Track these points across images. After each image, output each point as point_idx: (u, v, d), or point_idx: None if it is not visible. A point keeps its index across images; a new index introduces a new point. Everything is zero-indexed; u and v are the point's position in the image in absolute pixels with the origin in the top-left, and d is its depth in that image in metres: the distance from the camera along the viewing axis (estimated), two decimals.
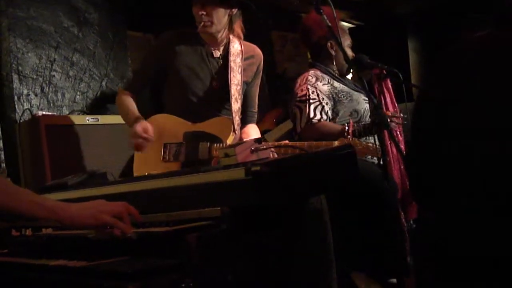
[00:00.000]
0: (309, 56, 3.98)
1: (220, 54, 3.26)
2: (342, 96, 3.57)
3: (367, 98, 3.64)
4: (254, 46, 3.40)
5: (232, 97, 3.19)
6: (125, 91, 3.32)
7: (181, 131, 3.11)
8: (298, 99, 3.59)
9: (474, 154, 1.73)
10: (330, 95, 3.56)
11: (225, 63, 3.24)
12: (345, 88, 3.63)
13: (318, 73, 3.66)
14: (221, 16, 3.14)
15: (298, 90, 3.62)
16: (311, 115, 3.49)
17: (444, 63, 1.88)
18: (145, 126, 2.98)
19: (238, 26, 3.29)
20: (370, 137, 3.46)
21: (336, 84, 3.63)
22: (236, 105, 3.21)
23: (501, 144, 1.68)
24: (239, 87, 3.23)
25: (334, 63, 3.73)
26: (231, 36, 3.27)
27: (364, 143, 3.17)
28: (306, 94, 3.55)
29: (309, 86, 3.58)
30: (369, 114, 3.60)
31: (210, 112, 3.19)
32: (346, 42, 3.73)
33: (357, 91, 3.68)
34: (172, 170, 2.87)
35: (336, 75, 3.71)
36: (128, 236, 1.79)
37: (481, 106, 1.74)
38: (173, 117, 3.19)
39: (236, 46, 3.28)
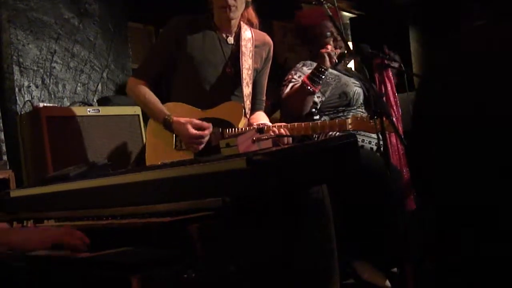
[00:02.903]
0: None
1: (232, 40, 3.26)
2: (330, 78, 3.57)
3: (357, 82, 3.66)
4: (264, 34, 3.40)
5: (244, 81, 3.18)
6: (139, 80, 3.25)
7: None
8: (283, 84, 3.66)
9: (476, 148, 1.73)
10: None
11: (237, 49, 3.23)
12: (334, 71, 3.63)
13: (308, 61, 3.72)
14: (243, 0, 3.17)
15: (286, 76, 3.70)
16: (286, 92, 3.58)
17: (443, 56, 1.88)
18: (197, 125, 3.03)
19: (250, 13, 3.29)
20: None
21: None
22: (247, 90, 3.21)
23: (503, 139, 1.68)
24: (250, 71, 3.23)
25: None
26: (241, 23, 3.27)
27: (364, 115, 3.16)
28: (288, 78, 3.64)
29: (293, 71, 3.67)
30: (360, 97, 3.61)
31: (221, 99, 3.18)
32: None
33: (347, 75, 3.70)
34: (184, 158, 2.88)
35: None
36: (83, 254, 1.77)
37: (481, 100, 1.73)
38: (184, 105, 3.18)
39: (247, 33, 3.28)
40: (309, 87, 3.36)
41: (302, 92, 3.40)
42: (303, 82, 3.40)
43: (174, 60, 3.21)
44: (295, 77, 3.60)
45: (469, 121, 1.74)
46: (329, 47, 3.39)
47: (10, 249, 1.78)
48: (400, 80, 3.86)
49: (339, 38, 3.69)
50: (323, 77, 3.39)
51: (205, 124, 3.03)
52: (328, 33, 3.71)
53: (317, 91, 3.42)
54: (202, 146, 3.03)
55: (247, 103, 3.21)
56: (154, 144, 3.22)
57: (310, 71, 3.59)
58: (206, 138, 3.03)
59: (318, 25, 3.72)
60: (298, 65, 3.71)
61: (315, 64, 3.65)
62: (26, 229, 1.86)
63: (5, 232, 1.82)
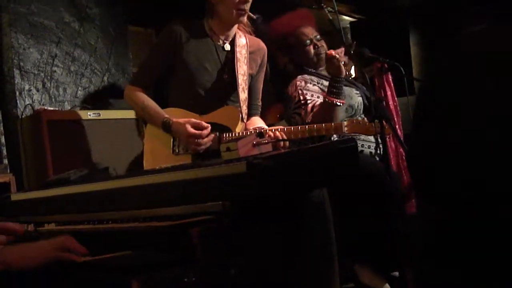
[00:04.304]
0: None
1: (228, 46, 3.26)
2: None
3: (358, 91, 3.64)
4: (259, 40, 3.41)
5: (239, 86, 3.19)
6: (136, 87, 3.26)
7: None
8: (294, 107, 3.57)
9: (478, 147, 1.74)
10: (322, 94, 3.52)
11: (232, 54, 3.24)
12: None
13: (306, 76, 3.63)
14: None
15: (292, 97, 3.59)
16: (310, 114, 3.47)
17: (444, 57, 1.88)
18: (196, 124, 3.03)
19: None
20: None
21: (325, 83, 3.57)
22: (243, 95, 3.22)
23: (505, 140, 1.68)
24: (245, 77, 3.24)
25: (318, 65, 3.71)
26: (237, 29, 3.28)
27: (360, 119, 3.14)
28: (300, 99, 3.53)
29: (300, 91, 3.55)
30: (363, 107, 3.59)
31: (217, 105, 3.19)
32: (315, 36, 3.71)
33: (347, 86, 3.65)
34: (182, 163, 2.87)
35: (323, 73, 3.68)
36: (84, 258, 1.77)
37: (482, 100, 1.74)
38: (181, 110, 3.18)
39: (241, 39, 3.29)
40: (336, 102, 3.28)
41: (330, 108, 3.31)
42: (327, 99, 3.31)
43: (171, 66, 3.21)
44: (307, 97, 3.51)
45: (471, 121, 1.74)
46: (333, 52, 3.28)
47: (6, 268, 1.78)
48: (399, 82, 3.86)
49: (319, 44, 3.66)
50: (343, 85, 3.34)
51: (203, 123, 3.03)
52: (308, 41, 3.67)
53: (344, 102, 3.36)
54: (202, 147, 3.03)
55: (244, 108, 3.22)
56: (152, 149, 3.22)
57: (315, 86, 3.56)
58: (206, 140, 3.03)
59: (294, 34, 3.69)
60: (299, 83, 3.59)
61: (314, 77, 3.62)
62: (20, 247, 1.85)
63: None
